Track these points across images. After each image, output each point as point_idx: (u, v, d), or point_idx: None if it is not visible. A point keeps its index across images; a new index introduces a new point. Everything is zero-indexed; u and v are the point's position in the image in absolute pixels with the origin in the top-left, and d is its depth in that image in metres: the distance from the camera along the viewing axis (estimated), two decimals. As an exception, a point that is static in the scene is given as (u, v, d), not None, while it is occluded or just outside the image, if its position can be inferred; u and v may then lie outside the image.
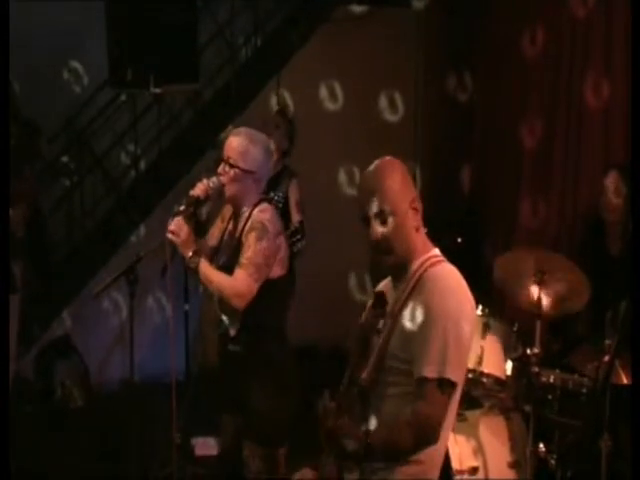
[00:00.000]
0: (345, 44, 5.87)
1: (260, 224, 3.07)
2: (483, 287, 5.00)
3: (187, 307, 4.21)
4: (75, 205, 5.53)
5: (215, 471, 3.92)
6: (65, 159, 5.53)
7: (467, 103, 6.01)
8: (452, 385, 2.29)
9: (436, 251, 2.43)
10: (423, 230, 2.42)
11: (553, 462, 3.68)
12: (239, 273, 3.04)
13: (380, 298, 2.36)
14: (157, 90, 5.01)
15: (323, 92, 6.01)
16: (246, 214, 3.16)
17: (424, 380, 2.25)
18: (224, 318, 3.20)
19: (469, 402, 3.94)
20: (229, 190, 3.14)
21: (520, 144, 5.35)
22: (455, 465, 3.64)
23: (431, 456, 2.34)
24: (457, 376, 2.30)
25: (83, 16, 5.29)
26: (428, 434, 2.27)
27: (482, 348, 3.83)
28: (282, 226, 3.22)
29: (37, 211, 4.79)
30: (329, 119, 6.00)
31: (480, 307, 3.95)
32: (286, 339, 3.26)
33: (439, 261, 2.41)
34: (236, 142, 3.13)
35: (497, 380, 3.85)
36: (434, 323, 2.27)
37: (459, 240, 5.67)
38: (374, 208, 2.35)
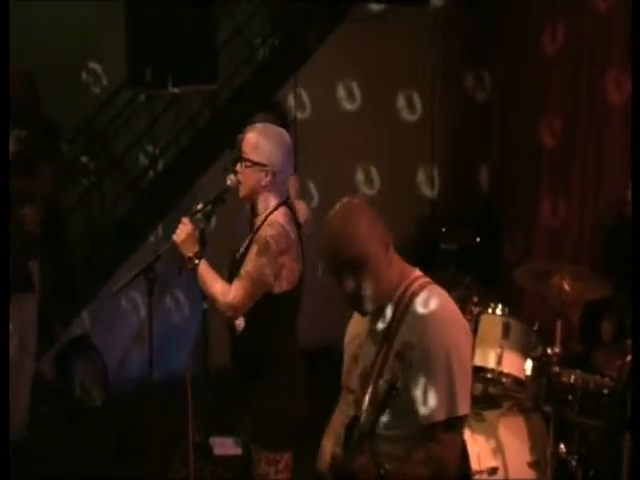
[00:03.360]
0: (363, 44, 5.84)
1: (264, 240, 2.97)
2: (503, 286, 5.01)
3: (205, 305, 4.18)
4: (94, 205, 5.55)
5: (233, 471, 3.92)
6: (84, 159, 5.55)
7: (486, 102, 5.98)
8: (462, 418, 2.23)
9: (417, 272, 2.32)
10: (398, 257, 2.30)
11: (574, 463, 3.66)
12: (235, 285, 2.98)
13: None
14: (175, 90, 5.02)
15: (341, 92, 5.99)
16: (261, 218, 3.07)
17: (434, 424, 2.19)
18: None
19: (488, 402, 3.91)
20: (244, 188, 3.07)
21: (540, 143, 5.32)
22: (474, 465, 3.62)
23: None
24: (465, 406, 2.23)
25: (102, 17, 5.31)
26: (447, 473, 2.23)
27: (502, 348, 3.81)
28: (292, 242, 3.04)
29: (55, 211, 4.80)
30: (347, 119, 5.98)
31: (500, 306, 3.94)
32: (293, 344, 3.17)
33: (424, 284, 2.28)
34: (250, 136, 3.09)
35: (516, 380, 3.83)
36: (435, 362, 2.17)
37: (478, 240, 5.63)
38: (342, 262, 2.23)
